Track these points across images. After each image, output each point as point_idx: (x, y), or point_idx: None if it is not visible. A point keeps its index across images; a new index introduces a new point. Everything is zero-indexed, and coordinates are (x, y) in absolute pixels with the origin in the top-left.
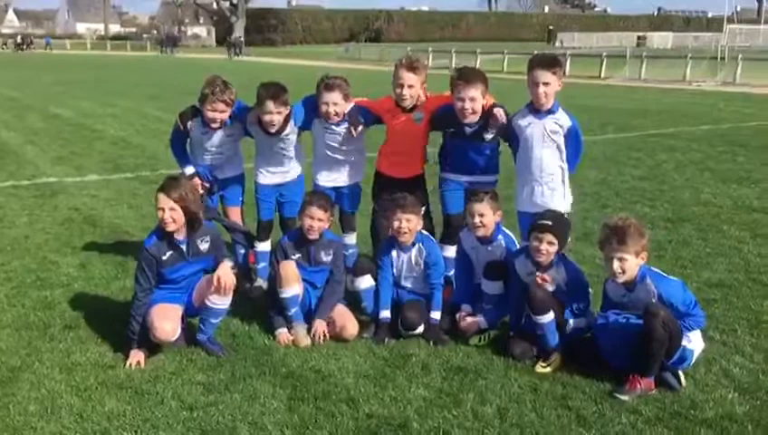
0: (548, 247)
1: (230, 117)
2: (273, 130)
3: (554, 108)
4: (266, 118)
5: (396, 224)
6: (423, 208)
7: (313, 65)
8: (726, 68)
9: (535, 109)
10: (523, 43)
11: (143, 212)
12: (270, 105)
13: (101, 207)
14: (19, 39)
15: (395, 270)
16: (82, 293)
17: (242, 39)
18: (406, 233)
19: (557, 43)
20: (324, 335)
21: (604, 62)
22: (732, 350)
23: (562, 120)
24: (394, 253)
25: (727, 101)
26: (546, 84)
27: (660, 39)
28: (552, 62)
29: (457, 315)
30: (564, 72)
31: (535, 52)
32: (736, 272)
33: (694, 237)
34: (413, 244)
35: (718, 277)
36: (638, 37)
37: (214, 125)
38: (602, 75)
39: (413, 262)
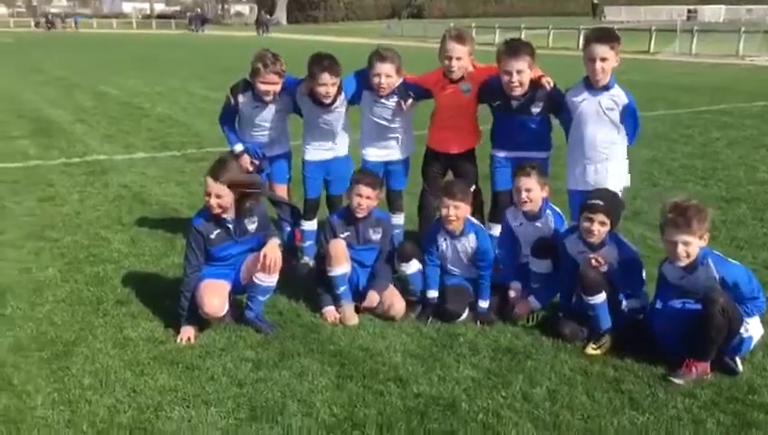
0: (600, 228)
1: (280, 91)
2: (328, 102)
3: (611, 84)
4: (322, 90)
5: (444, 211)
6: (473, 187)
7: (353, 42)
8: None
9: (591, 85)
10: (568, 17)
11: (190, 190)
12: (326, 77)
13: (150, 185)
14: (48, 18)
15: (440, 255)
16: (133, 269)
17: (269, 17)
18: (453, 220)
19: (603, 18)
20: (374, 308)
21: (653, 37)
22: None
23: (619, 96)
24: (440, 238)
25: None
26: (604, 60)
27: (712, 12)
28: (611, 37)
29: (511, 294)
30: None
31: (581, 27)
32: None
33: (749, 217)
34: (462, 233)
35: None
36: (689, 10)
37: (267, 98)
38: (651, 50)
39: (460, 251)
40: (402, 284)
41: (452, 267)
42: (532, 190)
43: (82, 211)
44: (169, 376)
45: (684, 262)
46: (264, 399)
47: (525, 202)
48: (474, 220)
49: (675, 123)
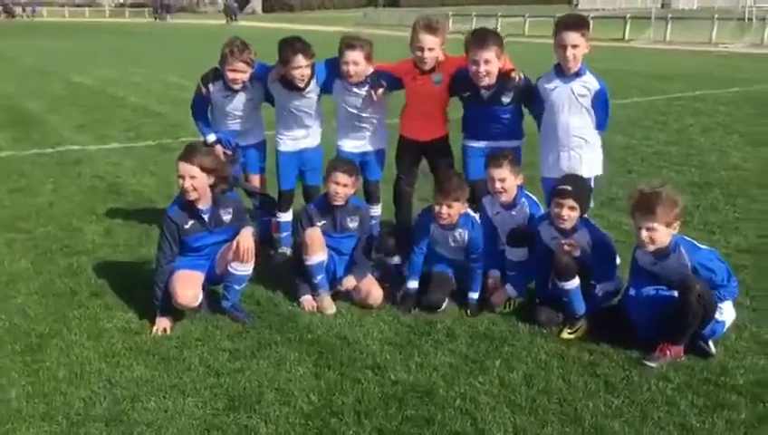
0: (569, 213)
1: (251, 79)
2: (302, 85)
3: (582, 71)
4: (297, 72)
5: (437, 208)
6: (466, 190)
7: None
8: (754, 30)
9: (562, 72)
10: (544, 5)
11: (166, 180)
12: (299, 59)
13: (125, 175)
14: (6, 6)
15: (431, 241)
16: (108, 260)
17: (236, 4)
18: (446, 218)
19: (579, 5)
20: (348, 300)
21: (628, 24)
22: (763, 316)
23: (590, 83)
24: (433, 227)
25: (755, 64)
26: (575, 46)
27: (686, 0)
28: (581, 23)
29: (489, 282)
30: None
31: (557, 14)
32: (766, 237)
33: (722, 202)
34: (456, 226)
35: (748, 243)
36: None
37: (235, 86)
38: (626, 37)
39: (450, 241)
40: (381, 271)
41: (441, 250)
42: (506, 180)
43: (56, 202)
44: (145, 367)
45: (650, 247)
46: (242, 388)
47: (500, 192)
48: (470, 212)
49: (649, 110)
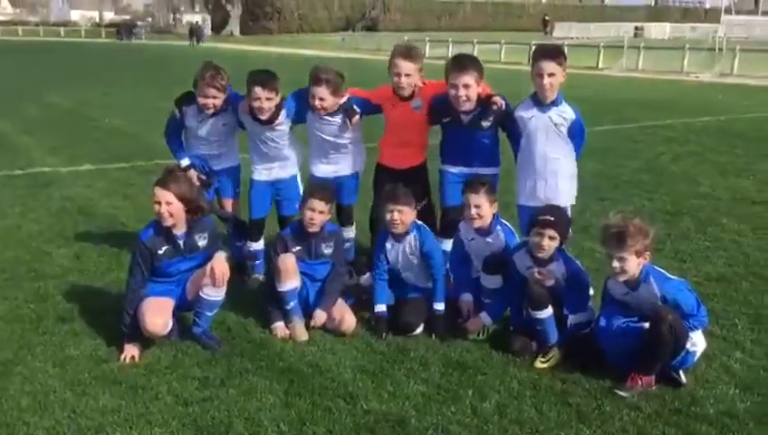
0: (549, 242)
1: (225, 104)
2: (263, 117)
3: (558, 100)
4: (255, 104)
5: (388, 216)
6: (425, 200)
7: (307, 55)
8: (724, 60)
9: (539, 101)
10: (520, 32)
11: (138, 202)
12: (258, 91)
13: (96, 198)
14: None
15: (392, 262)
16: (76, 284)
17: (201, 25)
18: (398, 224)
19: (553, 33)
20: (323, 325)
21: (601, 53)
22: (732, 345)
23: (567, 112)
24: (389, 245)
25: (725, 93)
26: (551, 75)
27: (658, 30)
28: (557, 53)
29: (462, 308)
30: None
31: (533, 42)
32: (736, 266)
33: (693, 231)
34: (407, 234)
35: (718, 271)
36: (636, 27)
37: (207, 111)
38: (599, 66)
39: (408, 252)
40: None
41: (406, 274)
42: (482, 207)
43: (23, 225)
44: (112, 396)
45: (621, 277)
46: (211, 418)
47: (475, 219)
48: (418, 221)
49: (622, 138)
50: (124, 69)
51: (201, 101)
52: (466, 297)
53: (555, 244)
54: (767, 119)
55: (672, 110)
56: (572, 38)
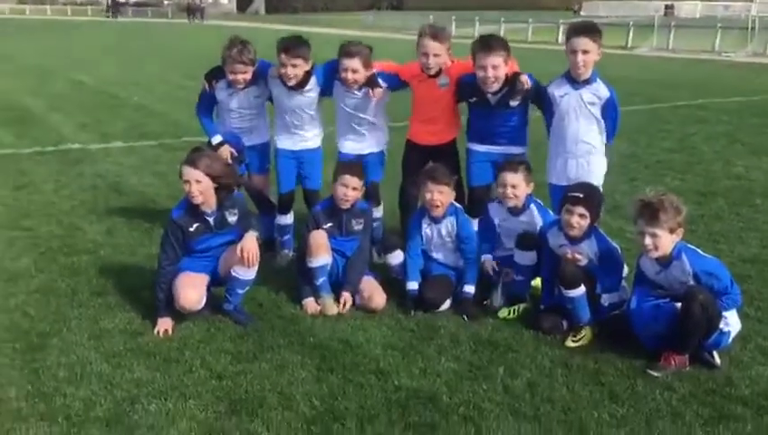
0: (579, 220)
1: (254, 77)
2: (291, 83)
3: (593, 78)
4: (282, 70)
5: (428, 196)
6: (455, 178)
7: (333, 34)
8: (757, 39)
9: (572, 78)
10: (547, 11)
11: (168, 180)
12: (283, 57)
13: (126, 175)
14: None
15: (425, 241)
16: (109, 260)
17: (201, 3)
18: (438, 206)
19: (581, 12)
20: (352, 305)
21: (631, 32)
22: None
23: (600, 90)
24: (425, 224)
25: (758, 73)
26: (585, 52)
27: (689, 8)
28: (592, 29)
29: (485, 266)
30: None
31: (561, 21)
32: None
33: (726, 211)
34: (445, 216)
35: (752, 253)
36: (666, 6)
37: (238, 86)
38: (629, 45)
39: (444, 234)
40: (384, 273)
41: (436, 254)
42: (518, 187)
43: (57, 201)
44: (146, 368)
45: (653, 254)
46: (244, 392)
47: (511, 198)
48: (456, 204)
49: (653, 118)
50: (148, 47)
51: (230, 77)
52: (487, 257)
53: (585, 222)
54: None
55: (703, 90)
56: (601, 17)
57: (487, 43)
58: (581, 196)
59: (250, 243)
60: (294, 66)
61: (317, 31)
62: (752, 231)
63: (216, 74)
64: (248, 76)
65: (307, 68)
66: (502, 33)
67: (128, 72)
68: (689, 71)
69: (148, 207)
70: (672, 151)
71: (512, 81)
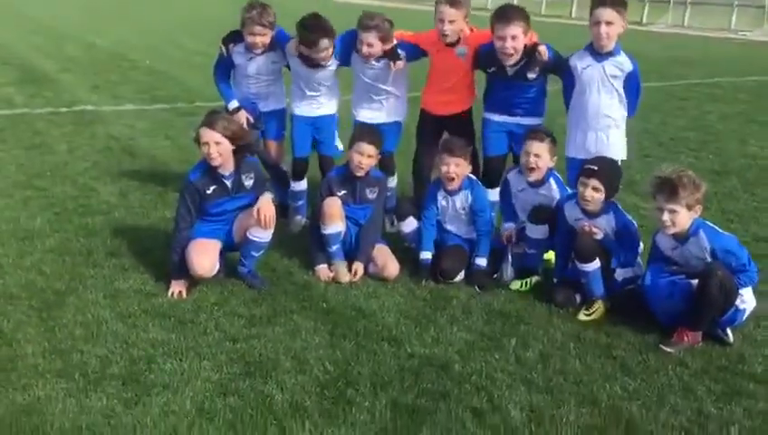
0: (593, 193)
1: (272, 43)
2: (324, 63)
3: (616, 50)
4: (322, 55)
5: (444, 168)
6: (470, 148)
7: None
8: None
9: (595, 50)
10: None
11: (180, 144)
12: (325, 43)
13: (139, 137)
14: None
15: (440, 212)
16: (123, 221)
17: None
18: (453, 178)
19: None
20: (365, 273)
21: (646, 8)
22: None
23: (624, 63)
24: (440, 196)
25: None
26: (609, 24)
27: None
28: (617, 1)
29: (503, 234)
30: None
31: None
32: None
33: (740, 190)
34: (460, 189)
35: (766, 232)
36: None
37: (256, 50)
38: (644, 21)
39: (459, 207)
40: (397, 242)
41: (450, 226)
42: (542, 157)
43: (71, 161)
44: (161, 329)
45: (670, 230)
46: (258, 354)
47: (533, 169)
48: (472, 176)
49: (668, 95)
50: (162, 11)
51: (249, 39)
52: (508, 225)
53: (600, 196)
54: None
55: (719, 68)
56: None
57: (506, 14)
58: (596, 168)
59: (267, 204)
60: (330, 47)
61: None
62: (766, 211)
63: (233, 38)
64: (267, 40)
65: (330, 50)
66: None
67: (141, 36)
68: (705, 48)
69: (161, 170)
70: (687, 129)
71: (530, 52)
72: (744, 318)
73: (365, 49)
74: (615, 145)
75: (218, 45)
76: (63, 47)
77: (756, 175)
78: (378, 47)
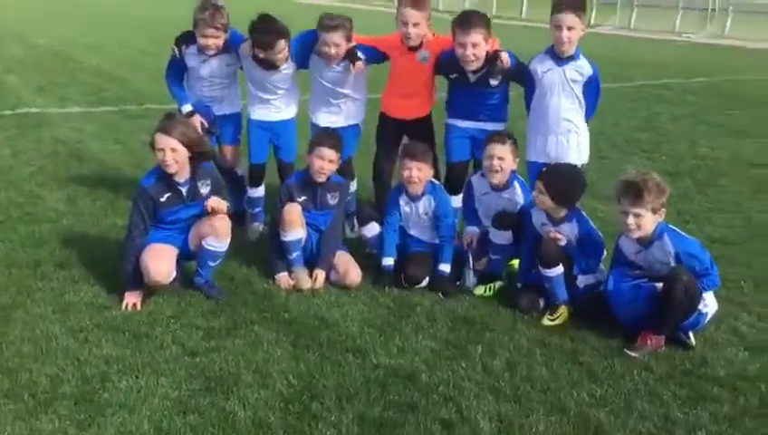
0: (538, 195)
1: (226, 45)
2: (280, 66)
3: (576, 55)
4: (279, 57)
5: (406, 173)
6: (432, 153)
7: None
8: (717, 20)
9: (556, 54)
10: None
11: (130, 147)
12: (282, 44)
13: (87, 141)
14: None
15: (403, 218)
16: (72, 229)
17: None
18: (416, 183)
19: None
20: (327, 281)
21: (594, 9)
22: (739, 308)
23: (584, 67)
24: (403, 201)
25: (717, 54)
26: (571, 29)
27: None
28: (579, 6)
29: (465, 237)
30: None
31: None
32: (738, 228)
33: (694, 191)
34: (423, 194)
35: (721, 233)
36: None
37: (209, 52)
38: (592, 23)
39: (421, 212)
40: (359, 248)
41: (413, 232)
42: (505, 160)
43: (15, 166)
44: (115, 344)
45: (635, 234)
46: (218, 369)
47: (496, 172)
48: (434, 181)
49: (619, 97)
50: (106, 10)
51: (201, 42)
52: (471, 229)
53: (546, 199)
54: (762, 81)
55: (667, 69)
56: None
57: (467, 20)
58: (545, 171)
59: (217, 201)
60: (286, 49)
61: None
62: (719, 212)
63: (186, 39)
64: (219, 42)
65: (286, 50)
66: (467, 5)
67: (86, 35)
68: (651, 50)
69: (111, 175)
70: (639, 130)
71: (492, 59)
72: (707, 322)
73: (332, 50)
74: (575, 149)
75: (171, 46)
76: (5, 47)
77: (707, 176)
78: (343, 47)
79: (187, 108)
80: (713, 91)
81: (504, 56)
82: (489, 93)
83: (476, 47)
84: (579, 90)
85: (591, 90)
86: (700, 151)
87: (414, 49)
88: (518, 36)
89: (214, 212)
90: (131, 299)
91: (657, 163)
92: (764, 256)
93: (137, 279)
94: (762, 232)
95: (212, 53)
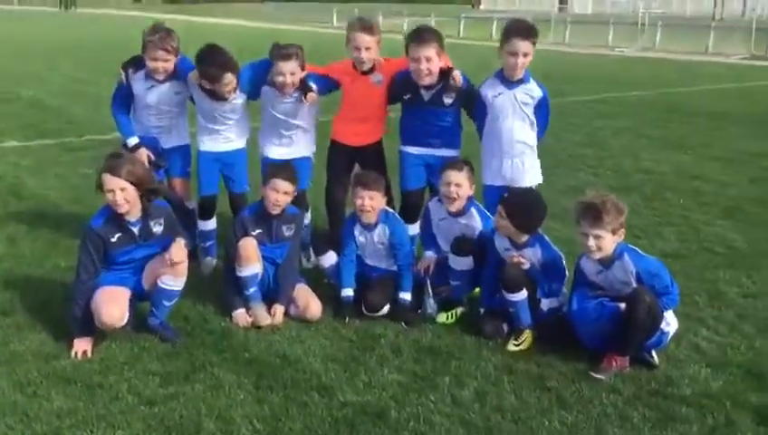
0: (499, 220)
1: (175, 71)
2: (229, 97)
3: (525, 78)
4: (227, 89)
5: (358, 202)
6: (384, 181)
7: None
8: (646, 34)
9: (505, 78)
10: (449, 5)
11: (70, 183)
12: (229, 77)
13: (24, 177)
14: None
15: (359, 248)
16: (13, 273)
17: None
18: (369, 211)
19: (480, 6)
20: (287, 315)
21: None
22: (697, 323)
23: (534, 90)
24: (357, 231)
25: (650, 68)
26: (526, 55)
27: (580, 4)
28: (533, 32)
29: (422, 262)
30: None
31: (462, 15)
32: (688, 241)
33: (641, 206)
34: (377, 223)
35: (672, 247)
36: (560, 1)
37: (157, 76)
38: None
39: (377, 241)
40: (317, 278)
41: (370, 261)
42: (462, 186)
43: None
44: (66, 397)
45: (596, 255)
46: (178, 417)
47: (453, 199)
48: (388, 209)
49: (559, 112)
50: (33, 36)
51: (150, 64)
52: (429, 255)
53: (506, 223)
54: (695, 93)
55: (603, 84)
56: (500, 11)
57: (420, 35)
58: (506, 196)
59: (179, 249)
60: (234, 80)
61: (202, 21)
62: (668, 225)
63: (134, 63)
64: (169, 66)
65: (234, 82)
66: (405, 27)
67: (13, 64)
68: (586, 65)
69: (51, 212)
70: (583, 146)
71: (445, 76)
72: (668, 340)
73: (288, 78)
74: (530, 171)
75: (118, 72)
76: None
77: (653, 189)
78: (298, 75)
79: (134, 140)
80: (648, 105)
81: (456, 73)
82: (443, 113)
83: (430, 61)
84: (530, 111)
85: (542, 111)
86: (644, 165)
87: (366, 73)
88: (457, 54)
89: (173, 258)
90: (81, 346)
91: (602, 178)
92: (715, 269)
93: (86, 324)
94: (710, 245)
95: (161, 77)
